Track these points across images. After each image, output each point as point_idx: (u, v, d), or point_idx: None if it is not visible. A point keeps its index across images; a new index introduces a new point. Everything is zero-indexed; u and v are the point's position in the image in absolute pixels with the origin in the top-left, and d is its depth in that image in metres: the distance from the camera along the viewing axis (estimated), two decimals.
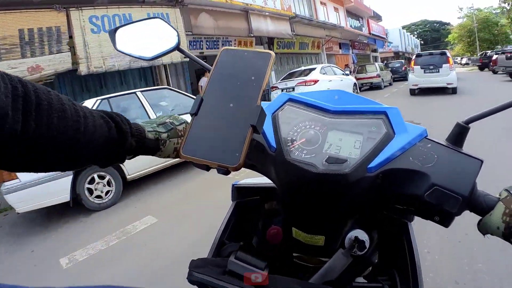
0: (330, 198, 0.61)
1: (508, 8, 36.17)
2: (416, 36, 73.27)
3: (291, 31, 15.46)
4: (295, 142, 0.64)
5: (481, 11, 42.41)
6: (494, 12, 43.26)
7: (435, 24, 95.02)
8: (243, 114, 0.52)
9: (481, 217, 0.55)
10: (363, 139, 0.63)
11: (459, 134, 0.61)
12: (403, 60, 28.13)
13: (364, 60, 30.01)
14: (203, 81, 9.79)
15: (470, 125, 0.61)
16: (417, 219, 0.72)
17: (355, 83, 14.02)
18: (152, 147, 0.65)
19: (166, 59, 8.50)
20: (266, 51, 0.57)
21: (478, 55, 34.45)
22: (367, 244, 0.64)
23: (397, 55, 43.32)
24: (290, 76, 12.11)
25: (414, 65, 12.84)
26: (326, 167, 0.59)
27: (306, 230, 0.67)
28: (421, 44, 67.14)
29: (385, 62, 27.76)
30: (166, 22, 0.82)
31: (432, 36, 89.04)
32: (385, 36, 31.85)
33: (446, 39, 51.91)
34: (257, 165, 0.70)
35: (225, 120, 0.53)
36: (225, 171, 0.52)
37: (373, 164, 0.58)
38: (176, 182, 5.35)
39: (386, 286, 0.66)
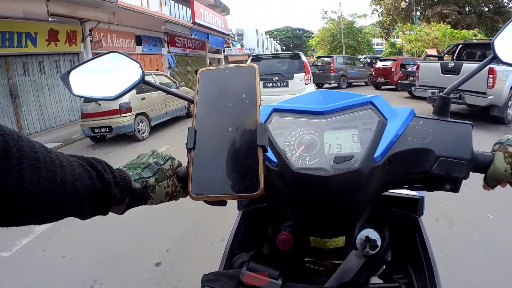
0: (345, 197, 0.60)
1: (380, 11, 32.12)
2: (278, 41, 72.11)
3: None
4: (294, 151, 0.62)
5: (345, 19, 39.33)
6: (357, 19, 41.14)
7: (297, 31, 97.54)
8: (247, 135, 0.51)
9: (484, 174, 0.60)
10: (359, 132, 0.63)
11: (443, 105, 0.66)
12: None
13: (199, 64, 20.70)
14: None
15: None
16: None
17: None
18: (141, 197, 0.59)
19: None
20: (249, 65, 0.56)
21: None
22: (379, 243, 0.67)
23: None
24: None
25: None
26: (335, 167, 0.58)
27: (325, 235, 0.66)
28: (282, 50, 63.74)
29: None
30: (124, 54, 0.76)
31: (294, 43, 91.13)
32: (227, 32, 22.82)
33: (308, 43, 47.81)
34: None
35: (228, 146, 0.51)
36: (246, 201, 0.55)
37: (377, 153, 0.59)
38: None
39: (403, 286, 0.65)
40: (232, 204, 0.70)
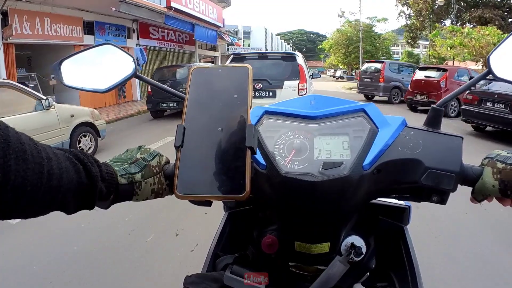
0: (333, 203, 0.60)
1: (407, 14, 28.09)
2: (291, 44, 69.50)
3: None
4: (285, 157, 0.61)
5: (363, 22, 36.43)
6: (376, 23, 37.74)
7: (311, 35, 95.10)
8: (236, 136, 0.50)
9: (472, 187, 0.60)
10: (349, 139, 0.62)
11: (435, 117, 0.65)
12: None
13: (185, 62, 16.73)
14: None
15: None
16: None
17: None
18: (126, 192, 0.57)
19: None
20: (242, 65, 0.56)
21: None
22: (364, 250, 0.66)
23: None
24: None
25: None
26: (324, 173, 0.57)
27: (310, 240, 0.65)
28: None
29: None
30: (118, 47, 0.75)
31: (307, 46, 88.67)
32: (221, 24, 18.69)
33: (320, 46, 44.42)
34: None
35: (216, 146, 0.50)
36: (232, 203, 0.54)
37: (367, 161, 0.58)
38: None
39: None
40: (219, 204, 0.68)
